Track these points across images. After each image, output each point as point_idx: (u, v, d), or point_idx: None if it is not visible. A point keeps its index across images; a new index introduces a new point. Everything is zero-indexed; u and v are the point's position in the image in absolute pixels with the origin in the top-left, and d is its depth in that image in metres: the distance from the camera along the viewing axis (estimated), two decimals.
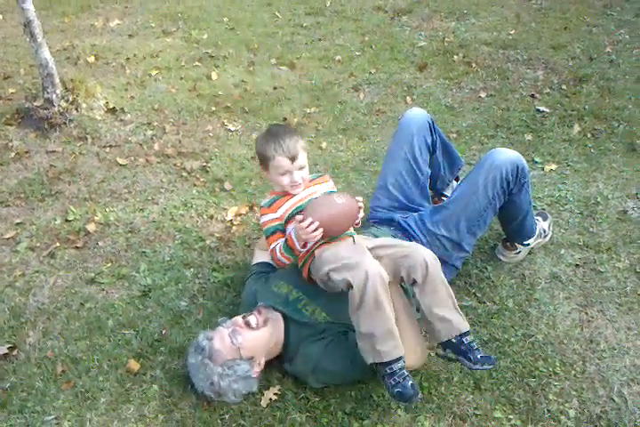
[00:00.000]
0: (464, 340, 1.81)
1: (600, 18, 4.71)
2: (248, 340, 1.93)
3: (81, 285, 2.51)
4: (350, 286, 1.74)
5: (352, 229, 2.02)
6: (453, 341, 1.81)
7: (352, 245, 1.93)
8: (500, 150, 2.22)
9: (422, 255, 1.83)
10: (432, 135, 2.44)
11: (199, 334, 2.01)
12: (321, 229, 1.85)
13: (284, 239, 1.96)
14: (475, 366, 1.78)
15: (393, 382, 1.74)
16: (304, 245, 1.92)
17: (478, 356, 1.78)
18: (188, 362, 1.98)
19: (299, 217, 1.87)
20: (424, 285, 1.81)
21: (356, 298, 1.73)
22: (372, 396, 2.00)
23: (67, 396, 2.05)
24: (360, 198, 1.96)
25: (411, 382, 1.74)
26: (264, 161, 1.99)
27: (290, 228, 1.96)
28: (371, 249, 1.91)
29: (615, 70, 3.91)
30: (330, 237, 1.93)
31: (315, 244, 1.94)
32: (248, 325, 1.96)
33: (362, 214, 1.97)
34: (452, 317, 1.81)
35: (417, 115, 2.44)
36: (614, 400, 1.96)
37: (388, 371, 1.75)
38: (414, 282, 1.82)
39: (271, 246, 2.00)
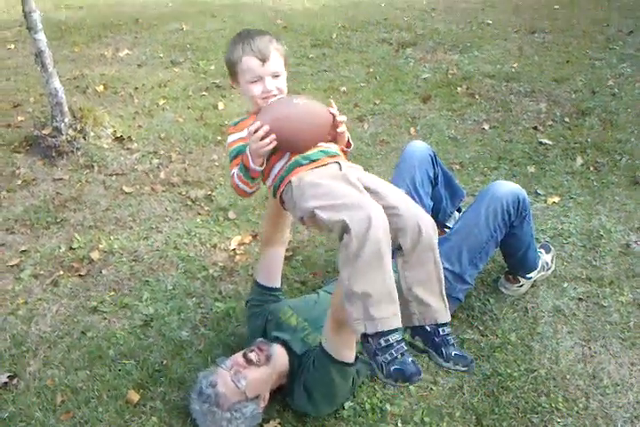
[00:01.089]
0: (440, 330, 1.53)
1: (602, 52, 4.79)
2: (252, 380, 1.87)
3: (83, 313, 2.51)
4: (346, 231, 1.41)
5: (332, 146, 1.73)
6: (427, 328, 1.54)
7: (340, 175, 1.59)
8: (500, 183, 2.24)
9: (417, 219, 1.50)
10: (434, 168, 2.46)
11: (200, 378, 1.94)
12: (273, 136, 1.57)
13: (235, 170, 1.71)
14: (446, 363, 1.52)
15: (389, 358, 1.40)
16: (260, 163, 1.65)
17: (452, 353, 1.51)
18: (193, 408, 1.92)
19: (253, 126, 1.60)
20: (411, 255, 1.51)
21: (354, 246, 1.39)
22: None
23: (65, 426, 2.04)
24: (334, 108, 1.69)
25: (411, 357, 1.42)
26: (232, 68, 1.74)
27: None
28: (369, 191, 1.57)
29: (617, 103, 3.95)
30: (293, 149, 1.64)
31: (280, 169, 1.67)
32: (250, 362, 1.89)
33: (342, 128, 1.70)
34: (432, 301, 1.53)
35: (419, 148, 2.46)
36: None
37: (383, 343, 1.41)
38: (399, 248, 1.51)
39: (231, 172, 1.74)
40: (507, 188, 2.20)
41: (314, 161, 1.65)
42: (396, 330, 1.42)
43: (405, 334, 1.56)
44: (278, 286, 2.27)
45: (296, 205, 1.61)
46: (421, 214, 1.54)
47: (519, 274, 2.44)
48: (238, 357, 1.93)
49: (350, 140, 1.80)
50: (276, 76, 1.72)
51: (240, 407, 1.87)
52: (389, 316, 1.42)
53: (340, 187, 1.53)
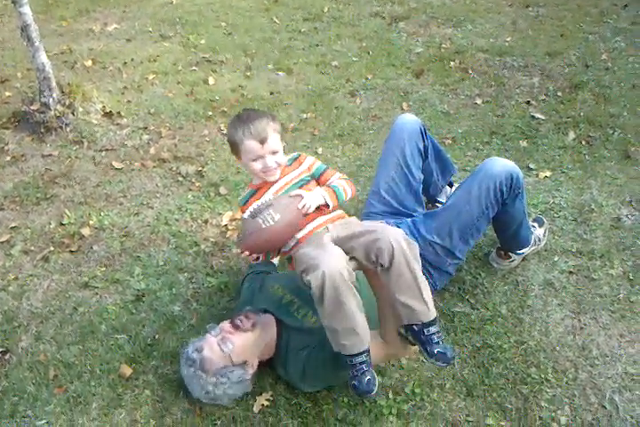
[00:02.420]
0: (425, 330, 1.76)
1: (596, 25, 4.73)
2: (238, 345, 1.92)
3: (74, 289, 2.51)
4: (310, 286, 1.69)
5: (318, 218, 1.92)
6: (414, 327, 1.77)
7: (319, 240, 1.83)
8: (495, 160, 2.22)
9: (389, 238, 1.72)
10: (424, 141, 2.44)
11: (188, 344, 2.01)
12: (254, 256, 1.86)
13: None
14: (430, 358, 1.75)
15: (351, 374, 1.73)
16: (257, 259, 1.91)
17: (435, 350, 1.73)
18: (181, 373, 1.97)
19: (235, 239, 1.86)
20: (389, 268, 1.73)
21: (316, 298, 1.69)
22: (365, 402, 2.00)
23: (58, 401, 2.05)
24: (302, 194, 1.87)
25: (368, 377, 1.71)
26: (235, 148, 1.91)
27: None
28: (348, 239, 1.82)
29: (611, 77, 3.92)
30: (277, 249, 1.91)
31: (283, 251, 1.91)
32: (237, 327, 1.95)
33: (310, 209, 1.86)
34: (414, 304, 1.74)
35: (408, 121, 2.45)
36: (606, 408, 1.96)
37: (349, 362, 1.73)
38: (382, 266, 1.75)
39: None
40: (500, 165, 2.18)
41: (304, 234, 1.88)
42: (360, 353, 1.72)
43: (401, 329, 1.84)
44: (274, 262, 2.35)
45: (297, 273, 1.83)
46: (393, 232, 1.76)
47: (511, 250, 2.45)
48: (225, 323, 1.99)
49: (328, 202, 1.92)
50: (274, 153, 1.87)
51: (226, 372, 1.92)
52: (352, 344, 1.72)
53: (311, 248, 1.78)
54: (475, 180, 2.19)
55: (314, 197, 1.89)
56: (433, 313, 1.78)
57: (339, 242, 1.81)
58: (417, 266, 1.76)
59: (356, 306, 1.71)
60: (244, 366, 1.94)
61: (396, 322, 1.83)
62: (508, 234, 2.36)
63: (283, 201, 1.85)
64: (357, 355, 1.72)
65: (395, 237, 1.73)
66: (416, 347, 1.83)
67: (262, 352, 2.02)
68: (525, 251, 2.47)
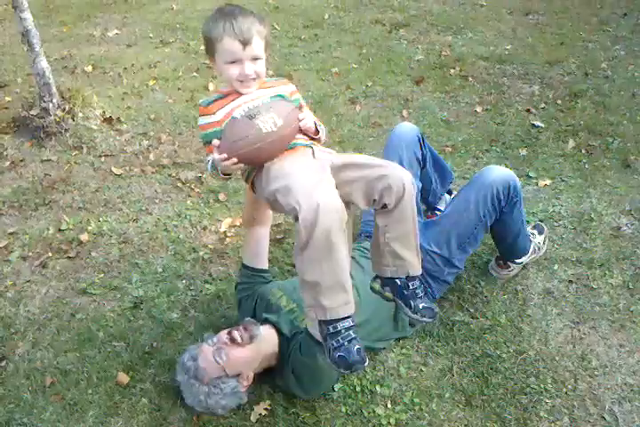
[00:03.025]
0: (410, 284, 1.63)
1: (596, 34, 4.75)
2: (233, 358, 1.88)
3: (72, 295, 2.50)
4: (296, 218, 1.43)
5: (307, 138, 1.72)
6: (397, 282, 1.64)
7: (310, 161, 1.62)
8: (492, 168, 2.22)
9: (401, 178, 1.56)
10: (422, 149, 2.44)
11: (185, 351, 2.00)
12: (234, 160, 1.57)
13: (211, 158, 1.65)
14: (413, 314, 1.61)
15: (335, 345, 1.47)
16: (230, 173, 1.68)
17: (420, 305, 1.60)
18: (177, 379, 1.96)
19: (215, 142, 1.59)
20: (393, 211, 1.57)
21: (303, 235, 1.41)
22: (363, 412, 1.98)
23: (55, 408, 2.03)
24: (303, 115, 1.69)
25: (357, 346, 1.47)
26: (210, 45, 1.66)
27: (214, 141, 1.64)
28: (340, 167, 1.63)
29: (610, 86, 3.93)
30: (259, 164, 1.63)
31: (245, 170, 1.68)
32: (233, 341, 1.89)
33: (309, 124, 1.69)
34: (407, 256, 1.62)
35: (406, 129, 2.45)
36: (605, 419, 1.95)
37: (332, 330, 1.48)
38: (384, 206, 1.58)
39: (206, 158, 1.71)
40: (498, 173, 2.18)
41: (288, 150, 1.67)
42: (347, 318, 1.48)
43: (375, 284, 1.70)
44: (266, 267, 2.27)
45: (263, 188, 1.63)
46: (404, 173, 1.59)
47: (509, 259, 2.44)
48: (223, 334, 1.93)
49: (319, 128, 1.76)
50: (255, 59, 1.65)
51: (219, 383, 1.88)
52: (339, 305, 1.47)
53: (304, 170, 1.56)
54: (472, 188, 2.19)
55: (310, 114, 1.72)
56: (420, 267, 1.67)
57: (333, 170, 1.62)
58: (416, 212, 1.64)
59: (346, 256, 1.49)
60: (237, 379, 1.91)
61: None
62: (507, 243, 2.36)
63: (284, 106, 1.63)
64: (343, 319, 1.49)
65: (407, 178, 1.57)
66: None
67: (261, 364, 1.98)
68: (524, 260, 2.46)
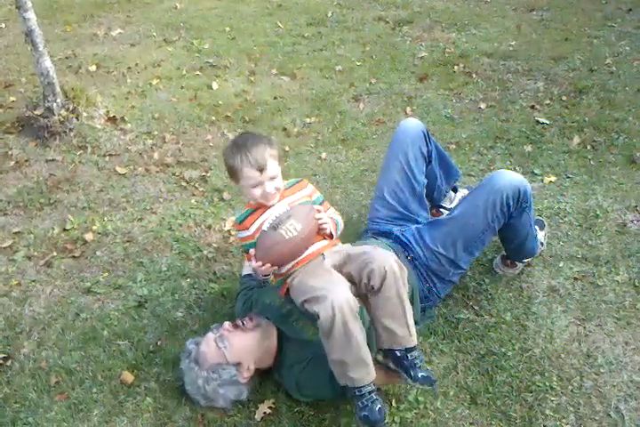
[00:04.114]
0: (408, 355, 1.79)
1: (601, 29, 4.72)
2: (234, 344, 1.94)
3: (77, 294, 2.50)
4: (318, 318, 1.69)
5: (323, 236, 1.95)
6: (397, 353, 1.80)
7: (321, 269, 1.84)
8: (503, 173, 2.18)
9: (382, 261, 1.76)
10: (427, 145, 2.43)
11: (190, 338, 2.05)
12: (268, 265, 1.82)
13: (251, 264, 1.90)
14: (413, 382, 1.79)
15: (361, 405, 1.73)
16: (266, 275, 1.88)
17: (419, 375, 1.77)
18: (180, 367, 2.00)
19: (252, 252, 1.84)
20: (379, 291, 1.76)
21: (325, 329, 1.69)
22: None
23: (60, 407, 2.04)
24: (319, 209, 1.89)
25: (379, 406, 1.72)
26: (233, 174, 1.90)
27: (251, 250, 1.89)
28: (342, 264, 1.86)
29: (615, 82, 3.91)
30: (292, 259, 1.88)
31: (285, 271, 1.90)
32: (237, 327, 1.97)
33: (328, 225, 1.89)
34: (397, 330, 1.79)
35: (411, 125, 2.44)
36: (611, 416, 1.94)
37: (357, 393, 1.73)
38: (372, 288, 1.77)
39: (248, 263, 1.98)
40: (508, 180, 2.14)
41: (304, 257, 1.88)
42: (369, 384, 1.73)
43: (379, 355, 1.88)
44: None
45: (295, 299, 1.86)
46: (387, 256, 1.79)
47: (516, 260, 2.43)
48: (227, 323, 2.01)
49: (333, 232, 1.94)
50: (272, 178, 1.86)
51: (217, 369, 1.93)
52: (362, 376, 1.73)
53: (316, 279, 1.79)
54: (482, 193, 2.17)
55: (327, 217, 1.90)
56: (415, 339, 1.82)
57: (336, 269, 1.84)
58: (404, 291, 1.79)
59: (362, 336, 1.72)
60: (237, 367, 1.94)
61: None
62: (514, 245, 2.34)
63: (301, 211, 1.85)
64: (366, 385, 1.73)
65: (386, 260, 1.76)
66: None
67: (261, 359, 2.01)
68: (531, 259, 2.45)
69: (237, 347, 1.94)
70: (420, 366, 1.78)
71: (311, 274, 1.84)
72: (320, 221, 1.87)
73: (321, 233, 1.91)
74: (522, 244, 2.33)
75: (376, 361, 1.85)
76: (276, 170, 1.87)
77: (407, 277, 1.82)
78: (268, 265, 1.82)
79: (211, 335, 1.98)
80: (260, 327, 2.00)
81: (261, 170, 1.83)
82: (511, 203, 2.12)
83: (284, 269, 1.89)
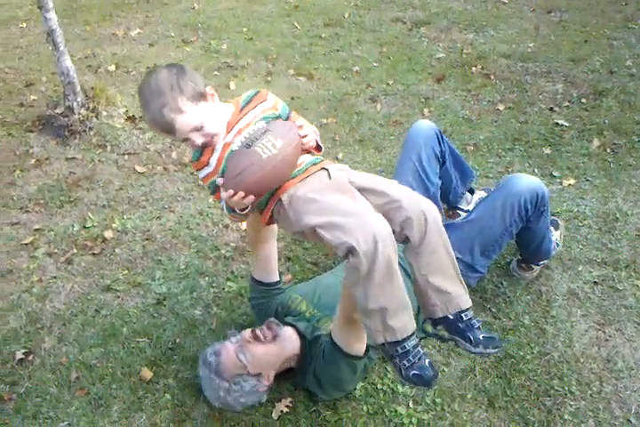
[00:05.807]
0: (463, 315, 1.52)
1: (621, 31, 4.68)
2: (255, 357, 1.89)
3: (97, 291, 2.53)
4: (352, 253, 1.38)
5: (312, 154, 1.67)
6: (450, 316, 1.53)
7: (333, 186, 1.55)
8: (520, 177, 2.17)
9: (420, 207, 1.48)
10: (440, 146, 2.42)
11: (208, 346, 2.02)
12: (252, 197, 1.52)
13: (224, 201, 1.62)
14: (476, 348, 1.50)
15: (407, 364, 1.46)
16: (243, 210, 1.61)
17: (480, 336, 1.49)
18: (199, 373, 1.99)
19: (219, 180, 1.54)
20: (420, 245, 1.49)
21: (363, 268, 1.38)
22: (385, 411, 1.98)
23: (80, 402, 2.06)
24: (300, 124, 1.64)
25: (427, 360, 1.47)
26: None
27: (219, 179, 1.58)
28: (360, 190, 1.57)
29: (636, 84, 3.87)
30: (271, 189, 1.58)
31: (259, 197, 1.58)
32: (257, 339, 1.90)
33: (310, 138, 1.64)
34: (451, 288, 1.52)
35: (424, 126, 2.43)
36: (631, 422, 1.92)
37: (400, 351, 1.46)
38: (406, 239, 1.51)
39: (220, 203, 1.70)
40: (526, 183, 2.13)
41: (299, 174, 1.62)
42: (412, 335, 1.46)
43: (427, 325, 1.60)
44: (277, 279, 2.19)
45: (292, 223, 1.57)
46: (423, 201, 1.52)
47: (532, 263, 2.42)
48: (247, 332, 1.94)
49: (320, 144, 1.73)
50: (196, 130, 1.58)
51: (239, 380, 1.89)
52: (405, 323, 1.45)
53: (335, 199, 1.49)
54: (499, 196, 2.16)
55: (311, 128, 1.66)
56: (468, 296, 1.56)
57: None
58: (448, 240, 1.54)
59: (401, 277, 1.45)
60: (259, 378, 1.92)
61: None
62: (531, 248, 2.33)
63: (280, 126, 1.56)
64: (410, 337, 1.46)
65: (428, 207, 1.50)
66: None
67: (281, 366, 1.99)
68: (546, 261, 2.45)
69: (258, 360, 1.89)
70: (478, 327, 1.51)
71: (322, 188, 1.54)
72: (305, 139, 1.62)
73: (305, 148, 1.64)
74: (538, 247, 2.32)
75: (423, 332, 1.65)
76: (194, 121, 1.55)
77: None
78: (242, 194, 1.50)
79: (230, 346, 1.92)
80: (279, 338, 1.94)
81: (170, 133, 1.57)
82: (529, 207, 2.11)
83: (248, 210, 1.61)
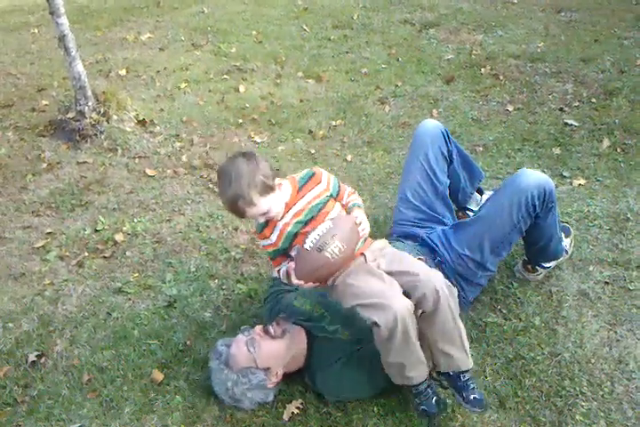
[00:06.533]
0: (461, 377, 1.83)
1: (631, 30, 4.65)
2: (264, 350, 1.94)
3: (108, 294, 2.55)
4: (377, 325, 1.69)
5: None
6: (450, 374, 1.84)
7: (370, 272, 1.82)
8: (527, 172, 2.16)
9: (433, 285, 1.73)
10: (447, 145, 2.42)
11: (220, 339, 2.07)
12: (311, 284, 1.82)
13: (285, 268, 1.88)
14: (465, 404, 1.82)
15: (418, 401, 1.82)
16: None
17: (471, 397, 1.80)
18: (209, 366, 2.02)
19: (291, 266, 1.81)
20: (432, 316, 1.75)
21: (383, 336, 1.70)
22: (395, 412, 1.98)
23: (92, 404, 2.08)
24: (362, 226, 1.85)
25: (435, 398, 1.82)
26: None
27: (290, 264, 1.86)
28: (388, 273, 1.83)
29: None
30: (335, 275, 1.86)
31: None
32: (267, 333, 1.98)
33: (365, 230, 1.87)
34: (455, 353, 1.81)
35: (430, 125, 2.44)
36: None
37: (414, 391, 1.82)
38: (423, 312, 1.77)
39: (276, 269, 1.97)
40: (533, 179, 2.11)
41: None
42: (425, 380, 1.81)
43: (434, 372, 1.90)
44: None
45: (340, 301, 1.85)
46: (435, 278, 1.76)
47: (537, 263, 2.40)
48: (258, 327, 2.02)
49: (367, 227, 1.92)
50: (262, 214, 1.82)
51: (247, 373, 1.94)
52: (419, 374, 1.79)
53: (367, 282, 1.78)
54: (506, 193, 2.15)
55: (365, 221, 1.89)
56: (471, 361, 1.85)
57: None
58: (458, 313, 1.79)
59: (417, 337, 1.75)
60: (266, 372, 1.95)
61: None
62: (538, 247, 2.31)
63: (344, 227, 1.79)
64: (423, 382, 1.80)
65: (439, 284, 1.74)
66: None
67: (289, 364, 2.02)
68: (552, 264, 2.43)
69: (267, 353, 1.95)
70: (472, 388, 1.82)
71: (358, 276, 1.82)
72: (362, 233, 1.85)
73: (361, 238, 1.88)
74: (546, 245, 2.30)
75: (430, 377, 1.88)
76: (261, 209, 1.79)
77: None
78: (311, 283, 1.83)
79: (241, 338, 1.98)
80: (288, 334, 2.00)
81: (242, 217, 1.84)
82: (537, 202, 2.09)
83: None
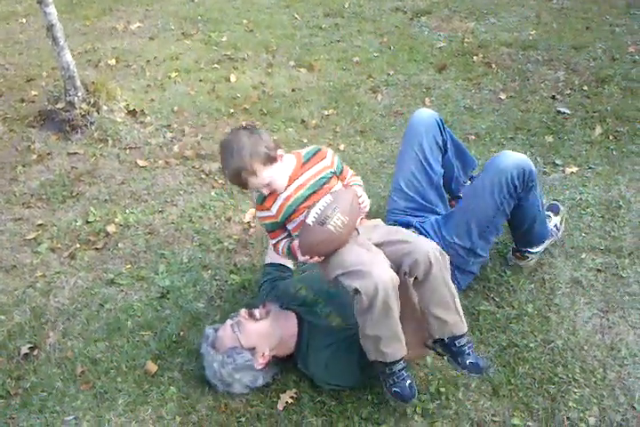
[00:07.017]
0: (456, 342, 1.79)
1: (623, 17, 4.64)
2: (248, 330, 1.97)
3: (100, 286, 2.54)
4: (357, 293, 1.67)
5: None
6: (445, 340, 1.80)
7: (358, 244, 1.79)
8: (506, 153, 2.16)
9: (425, 252, 1.72)
10: (442, 134, 2.42)
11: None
12: (316, 258, 1.81)
13: (286, 242, 1.90)
14: (462, 369, 1.80)
15: (391, 382, 1.78)
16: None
17: (467, 362, 1.78)
18: (200, 351, 2.05)
19: (295, 244, 1.81)
20: (424, 282, 1.74)
21: (364, 304, 1.67)
22: (389, 401, 1.98)
23: (86, 396, 2.07)
24: (362, 199, 1.88)
25: (409, 381, 1.77)
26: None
27: (294, 242, 1.86)
28: (378, 244, 1.82)
29: (638, 71, 3.84)
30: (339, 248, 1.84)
31: None
32: (252, 316, 2.01)
33: (366, 205, 1.89)
34: (448, 318, 1.78)
35: (425, 115, 2.43)
36: (635, 408, 1.92)
37: (388, 371, 1.77)
38: (415, 278, 1.76)
39: (273, 241, 1.94)
40: (512, 159, 2.12)
41: None
42: (400, 360, 1.76)
43: (428, 341, 1.88)
44: (290, 266, 2.34)
45: (327, 274, 1.83)
46: (426, 244, 1.76)
47: (525, 248, 2.40)
48: (243, 310, 2.06)
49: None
50: (265, 185, 1.80)
51: (233, 353, 1.96)
52: (394, 351, 1.75)
53: (354, 252, 1.75)
54: (486, 175, 2.15)
55: (365, 196, 1.90)
56: (465, 325, 1.81)
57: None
58: (449, 277, 1.78)
59: (398, 312, 1.72)
60: (252, 352, 1.97)
61: (423, 332, 1.85)
62: (523, 230, 2.32)
63: (346, 200, 1.79)
64: (397, 362, 1.76)
65: (432, 250, 1.73)
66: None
67: (278, 345, 2.02)
68: (541, 248, 2.42)
69: (251, 332, 1.98)
70: (468, 353, 1.79)
71: (349, 248, 1.79)
72: (362, 206, 1.86)
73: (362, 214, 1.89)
74: (530, 227, 2.30)
75: (425, 345, 1.89)
76: (262, 180, 1.79)
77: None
78: (316, 258, 1.81)
79: (228, 321, 2.03)
80: (271, 313, 2.03)
81: (244, 188, 1.84)
82: (517, 183, 2.09)
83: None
